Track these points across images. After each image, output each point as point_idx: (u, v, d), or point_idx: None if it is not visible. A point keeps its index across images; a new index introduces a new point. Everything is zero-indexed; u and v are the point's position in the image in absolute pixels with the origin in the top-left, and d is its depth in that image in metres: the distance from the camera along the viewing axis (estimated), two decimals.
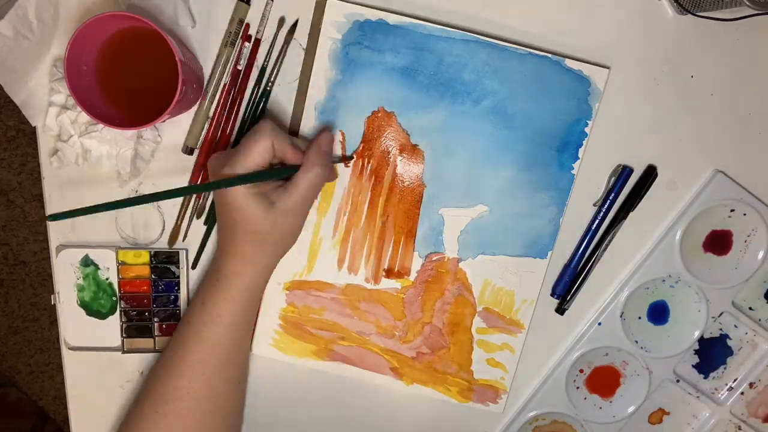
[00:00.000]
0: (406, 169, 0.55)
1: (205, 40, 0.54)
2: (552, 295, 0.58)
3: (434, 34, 0.53)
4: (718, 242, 0.58)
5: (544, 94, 0.54)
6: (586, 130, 0.54)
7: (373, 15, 0.52)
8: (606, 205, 0.56)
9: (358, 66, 0.53)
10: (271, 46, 0.54)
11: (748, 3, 0.46)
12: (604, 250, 0.57)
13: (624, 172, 0.56)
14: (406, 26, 0.52)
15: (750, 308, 0.60)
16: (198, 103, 0.54)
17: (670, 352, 0.59)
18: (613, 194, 0.56)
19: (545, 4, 0.54)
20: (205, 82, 0.54)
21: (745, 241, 0.58)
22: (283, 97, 0.55)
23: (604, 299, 0.59)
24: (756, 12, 0.47)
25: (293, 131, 0.55)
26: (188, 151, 0.55)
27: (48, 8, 0.52)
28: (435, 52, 0.53)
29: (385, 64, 0.53)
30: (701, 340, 0.59)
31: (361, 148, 0.54)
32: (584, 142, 0.54)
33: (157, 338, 0.58)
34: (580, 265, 0.57)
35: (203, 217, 0.57)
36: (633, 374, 0.60)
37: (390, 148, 0.54)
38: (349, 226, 0.55)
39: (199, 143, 0.55)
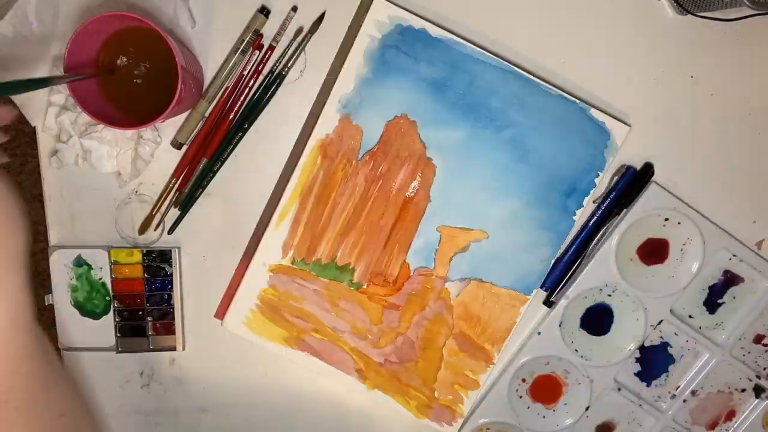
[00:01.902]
0: (416, 181, 0.55)
1: (205, 41, 0.54)
2: (542, 287, 0.58)
3: (472, 55, 0.52)
4: (655, 250, 0.57)
5: (565, 138, 0.54)
6: (596, 180, 0.54)
7: (417, 23, 0.52)
8: (606, 203, 0.56)
9: (391, 69, 0.53)
10: (286, 48, 0.54)
11: (748, 3, 0.46)
12: (595, 245, 0.57)
13: (628, 172, 0.56)
14: (447, 41, 0.52)
15: (690, 316, 0.59)
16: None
17: (610, 361, 0.58)
18: (614, 193, 0.56)
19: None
20: (205, 82, 0.54)
21: (681, 250, 0.57)
22: (283, 95, 0.55)
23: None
24: (756, 12, 0.47)
25: (313, 116, 0.55)
26: (177, 145, 0.55)
27: (48, 8, 0.52)
28: (469, 72, 0.53)
29: (418, 74, 0.53)
30: (642, 348, 0.59)
31: (376, 149, 0.54)
32: (591, 192, 0.54)
33: (151, 337, 0.58)
34: (572, 259, 0.57)
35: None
36: (575, 383, 0.59)
37: (404, 156, 0.54)
38: (347, 223, 0.55)
39: (189, 140, 0.55)
